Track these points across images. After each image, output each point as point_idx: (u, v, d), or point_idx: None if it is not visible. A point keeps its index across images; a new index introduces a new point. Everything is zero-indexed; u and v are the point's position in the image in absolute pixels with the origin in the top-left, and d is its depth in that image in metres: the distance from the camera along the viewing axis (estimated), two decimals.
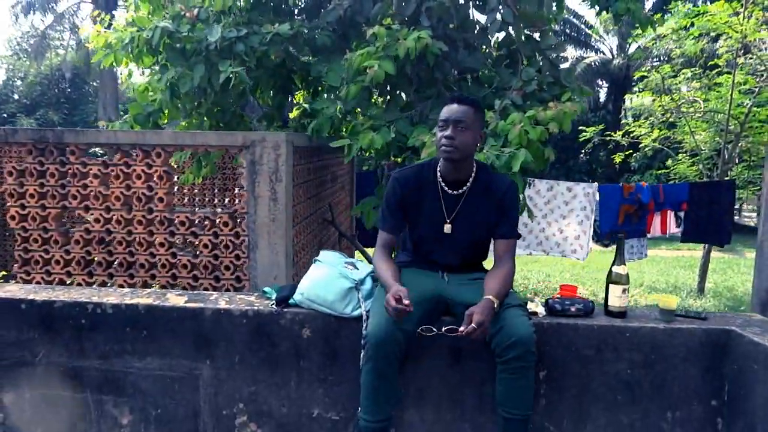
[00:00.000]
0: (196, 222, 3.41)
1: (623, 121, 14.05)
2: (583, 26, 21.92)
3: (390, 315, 1.84)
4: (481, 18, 4.07)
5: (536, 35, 3.87)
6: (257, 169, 3.27)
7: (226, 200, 7.04)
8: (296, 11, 4.56)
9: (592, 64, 20.48)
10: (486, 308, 1.87)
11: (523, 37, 3.87)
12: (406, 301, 1.83)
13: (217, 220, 3.37)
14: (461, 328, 1.82)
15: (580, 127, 11.98)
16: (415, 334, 1.95)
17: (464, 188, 2.13)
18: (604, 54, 22.18)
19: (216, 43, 3.76)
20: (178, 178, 7.03)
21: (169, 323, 2.11)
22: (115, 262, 3.42)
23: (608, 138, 11.17)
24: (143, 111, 4.33)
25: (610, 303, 2.12)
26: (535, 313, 2.11)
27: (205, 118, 4.64)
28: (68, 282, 3.45)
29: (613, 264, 2.12)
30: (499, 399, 1.92)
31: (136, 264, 3.42)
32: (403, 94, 4.26)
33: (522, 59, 3.86)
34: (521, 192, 3.28)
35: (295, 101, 5.60)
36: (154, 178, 3.35)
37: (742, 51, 8.72)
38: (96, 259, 3.42)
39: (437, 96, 3.85)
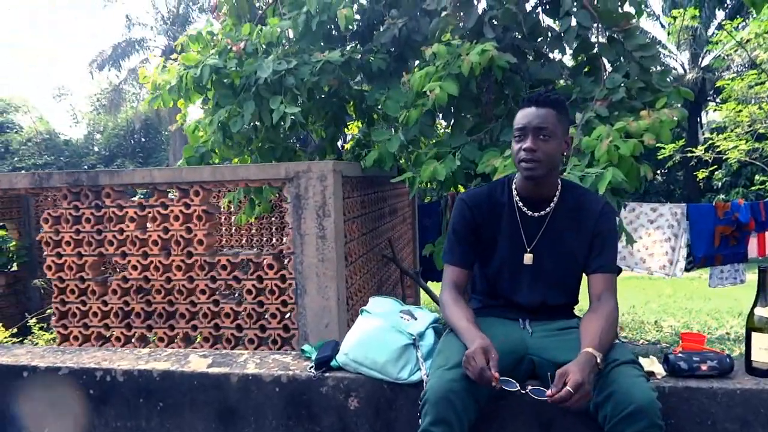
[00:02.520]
0: (239, 265, 3.08)
1: (705, 135, 13.11)
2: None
3: (472, 376, 1.41)
4: (553, 24, 3.61)
5: (620, 36, 3.36)
6: (303, 204, 2.92)
7: (275, 240, 6.80)
8: (348, 37, 4.26)
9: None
10: (585, 365, 1.40)
11: (604, 40, 3.37)
12: (495, 373, 1.39)
13: (262, 263, 3.02)
14: (550, 391, 1.36)
15: (657, 145, 11.20)
16: (488, 400, 1.50)
17: (548, 209, 1.69)
18: (675, 70, 21.05)
19: (266, 78, 3.50)
20: (232, 218, 6.89)
21: (188, 393, 1.74)
22: (155, 313, 3.13)
23: (689, 155, 10.32)
24: (195, 153, 4.12)
25: (754, 357, 1.58)
26: (651, 374, 1.60)
27: (256, 156, 4.39)
28: (107, 335, 3.18)
29: (755, 304, 1.59)
30: None
31: (176, 314, 3.11)
32: (469, 116, 3.84)
33: (604, 65, 3.36)
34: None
35: (348, 132, 5.30)
36: (193, 219, 3.05)
37: None
38: (134, 309, 3.14)
39: (507, 115, 3.40)
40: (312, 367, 1.74)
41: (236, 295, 3.13)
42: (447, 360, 1.51)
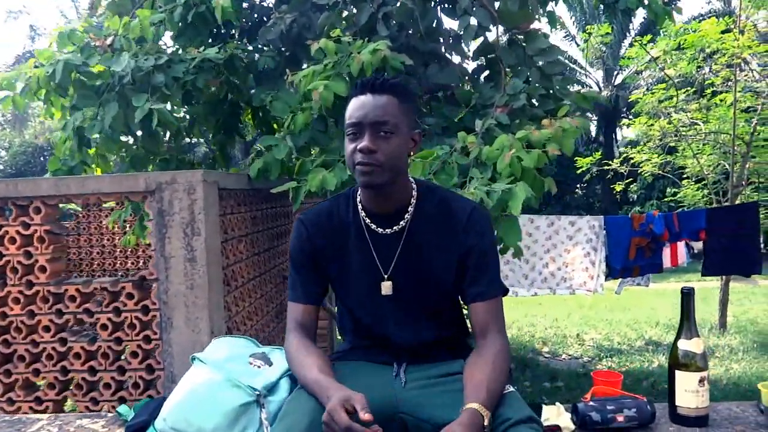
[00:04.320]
0: (93, 296, 2.57)
1: (620, 149, 13.52)
2: (566, 61, 21.62)
3: None
4: (452, 24, 3.35)
5: (521, 40, 3.13)
6: (167, 221, 2.47)
7: None
8: (237, 35, 3.84)
9: None
10: (471, 428, 1.06)
11: (504, 42, 3.14)
12: (366, 415, 1.04)
13: (119, 291, 2.54)
14: None
15: (574, 158, 11.41)
16: None
17: (402, 223, 1.34)
18: (590, 87, 21.78)
19: (129, 76, 3.03)
20: (118, 239, 6.25)
21: None
22: None
23: (606, 168, 10.51)
24: (63, 166, 3.55)
25: (679, 402, 1.28)
26: (557, 428, 1.27)
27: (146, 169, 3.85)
28: None
29: (678, 336, 1.29)
30: None
31: (13, 357, 2.57)
32: None
33: (505, 70, 3.12)
34: (516, 234, 2.45)
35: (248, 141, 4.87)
36: (34, 241, 2.53)
37: (738, 68, 8.25)
38: None
39: None
40: None
41: (89, 331, 2.62)
42: (293, 423, 1.12)
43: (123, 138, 3.65)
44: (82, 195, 2.52)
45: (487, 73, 3.24)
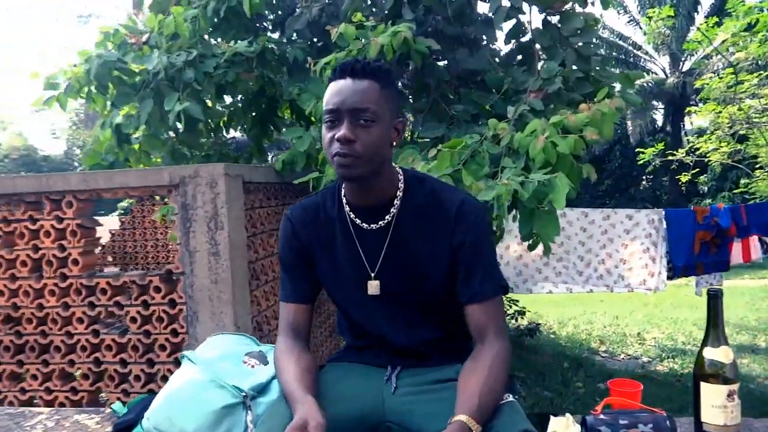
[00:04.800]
0: (123, 289, 2.61)
1: (686, 138, 12.81)
2: (630, 47, 20.67)
3: None
4: (482, 6, 3.19)
5: (556, 20, 2.95)
6: (191, 215, 2.47)
7: None
8: (271, 28, 3.83)
9: (645, 85, 19.05)
10: None
11: (537, 23, 2.97)
12: None
13: (147, 285, 2.56)
14: None
15: (638, 149, 10.88)
16: None
17: (388, 218, 1.24)
18: (656, 74, 20.78)
19: (162, 72, 3.06)
20: (167, 234, 6.40)
21: None
22: (26, 346, 2.65)
23: (670, 158, 9.94)
24: (102, 161, 3.64)
25: (704, 417, 1.13)
26: None
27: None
28: None
29: (704, 343, 1.14)
30: None
31: (50, 347, 2.64)
32: None
33: (539, 53, 2.94)
34: (554, 229, 2.26)
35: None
36: (67, 235, 2.59)
37: None
38: (2, 342, 2.66)
39: (430, 108, 2.96)
40: None
41: (120, 323, 2.66)
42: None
43: (171, 134, 3.72)
44: (110, 189, 2.56)
45: (519, 57, 3.08)
